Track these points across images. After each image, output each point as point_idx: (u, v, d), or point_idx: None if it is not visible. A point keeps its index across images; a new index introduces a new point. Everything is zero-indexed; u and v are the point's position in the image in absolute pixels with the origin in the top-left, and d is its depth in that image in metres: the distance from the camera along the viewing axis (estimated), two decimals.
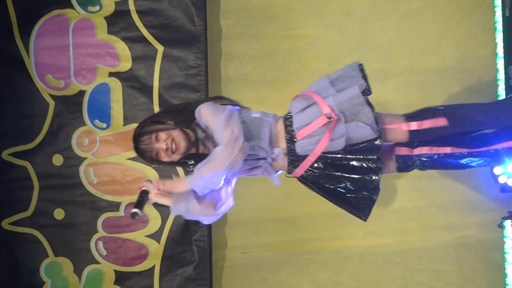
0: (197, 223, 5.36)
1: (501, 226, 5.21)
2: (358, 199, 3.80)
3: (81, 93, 5.41)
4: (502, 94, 5.16)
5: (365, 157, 3.69)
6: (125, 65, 5.42)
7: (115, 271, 5.42)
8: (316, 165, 3.75)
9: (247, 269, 5.55)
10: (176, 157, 3.76)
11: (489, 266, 5.37)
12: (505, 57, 5.15)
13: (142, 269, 5.42)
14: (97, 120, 5.43)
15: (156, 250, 5.40)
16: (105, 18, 5.42)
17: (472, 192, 5.35)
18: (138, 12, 5.41)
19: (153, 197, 3.68)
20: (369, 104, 3.70)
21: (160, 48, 5.39)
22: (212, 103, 3.79)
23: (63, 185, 5.43)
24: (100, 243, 5.41)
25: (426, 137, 3.84)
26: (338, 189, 3.78)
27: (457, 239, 5.41)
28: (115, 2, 5.41)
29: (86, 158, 5.42)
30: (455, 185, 5.37)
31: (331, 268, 5.52)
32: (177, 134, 3.72)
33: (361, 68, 3.82)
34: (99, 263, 5.41)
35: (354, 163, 3.72)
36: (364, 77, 3.80)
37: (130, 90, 5.42)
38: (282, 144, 3.76)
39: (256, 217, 5.49)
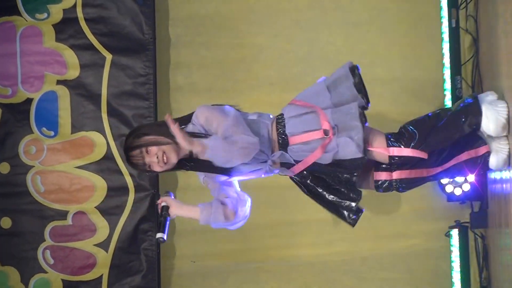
0: (145, 231, 5.34)
1: (448, 235, 5.26)
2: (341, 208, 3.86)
3: (29, 101, 5.36)
4: (449, 104, 5.22)
5: (347, 178, 3.74)
6: (73, 73, 5.38)
7: (63, 280, 5.36)
8: (304, 173, 3.80)
9: (196, 278, 5.53)
10: (169, 167, 3.75)
11: (437, 275, 5.42)
12: (451, 67, 5.22)
13: (90, 278, 5.37)
14: (44, 128, 5.39)
15: (104, 259, 5.36)
16: (53, 25, 5.38)
17: (420, 201, 5.39)
18: (86, 19, 5.38)
19: (175, 211, 3.74)
20: (361, 120, 3.72)
21: (109, 56, 5.37)
22: (208, 105, 3.79)
23: (10, 193, 5.36)
24: (48, 252, 5.36)
25: (404, 162, 3.88)
26: (323, 195, 3.84)
27: (406, 247, 5.44)
28: (63, 10, 5.37)
29: (33, 166, 5.37)
30: (403, 194, 5.34)
31: (279, 277, 5.52)
32: (167, 146, 3.69)
33: (353, 69, 3.84)
34: (46, 272, 5.36)
35: (336, 185, 3.78)
36: (360, 81, 3.82)
37: (78, 98, 5.39)
38: (275, 146, 3.78)
39: (205, 226, 5.46)
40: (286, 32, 5.54)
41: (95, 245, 5.36)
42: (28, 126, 5.37)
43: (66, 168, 5.36)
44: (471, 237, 5.19)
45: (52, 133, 5.39)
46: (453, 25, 5.20)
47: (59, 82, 5.39)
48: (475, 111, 3.86)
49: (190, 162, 3.77)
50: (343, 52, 5.48)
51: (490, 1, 4.59)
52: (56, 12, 5.38)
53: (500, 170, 3.98)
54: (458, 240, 5.15)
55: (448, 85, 5.23)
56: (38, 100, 5.38)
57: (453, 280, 5.22)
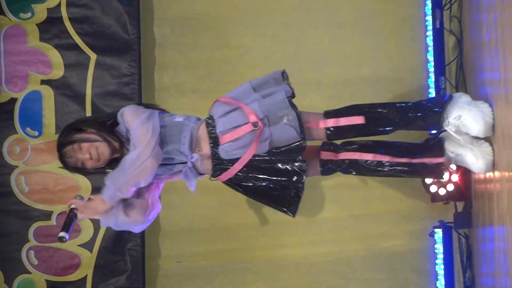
0: (130, 232, 5.32)
1: (432, 235, 5.27)
2: (284, 197, 3.82)
3: (13, 100, 5.35)
4: None
5: (289, 158, 3.72)
6: (58, 72, 5.37)
7: (47, 281, 5.34)
8: (242, 169, 3.77)
9: (181, 279, 5.52)
10: (102, 163, 3.76)
11: (421, 275, 5.42)
12: (435, 68, 5.23)
13: (74, 278, 5.36)
14: (28, 128, 5.37)
15: (88, 259, 5.35)
16: (37, 25, 5.37)
17: (404, 201, 5.41)
18: (71, 19, 5.36)
19: (83, 213, 3.73)
20: (293, 107, 3.75)
21: (93, 56, 5.36)
22: (136, 106, 3.80)
23: None
24: (32, 253, 5.34)
25: (344, 135, 3.89)
26: (264, 187, 3.80)
27: (390, 248, 5.45)
28: (47, 9, 5.36)
29: (17, 166, 5.35)
30: (387, 194, 5.42)
31: (265, 278, 5.52)
32: (100, 143, 3.71)
33: (284, 75, 3.86)
34: (30, 273, 5.34)
35: (279, 165, 3.75)
36: (288, 84, 3.84)
37: (63, 98, 5.38)
38: (206, 147, 3.77)
39: (191, 226, 5.48)
40: (272, 32, 5.55)
41: (79, 245, 5.35)
42: (12, 126, 5.35)
43: (51, 168, 5.34)
44: (455, 237, 5.20)
45: (37, 133, 5.37)
46: (437, 26, 5.21)
47: (43, 82, 5.37)
48: (438, 106, 3.89)
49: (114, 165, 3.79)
50: (329, 53, 5.50)
51: (474, 2, 4.60)
52: (40, 12, 5.37)
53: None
54: (442, 240, 5.16)
55: (432, 85, 5.23)
56: (22, 100, 5.37)
57: (437, 280, 5.22)
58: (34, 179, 5.37)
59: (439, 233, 5.20)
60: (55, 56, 5.37)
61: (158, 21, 5.56)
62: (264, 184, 3.79)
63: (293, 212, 3.88)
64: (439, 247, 5.18)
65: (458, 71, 5.24)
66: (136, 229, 3.93)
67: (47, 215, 5.35)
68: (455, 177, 4.89)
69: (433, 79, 5.25)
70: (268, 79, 3.90)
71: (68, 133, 3.76)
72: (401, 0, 5.49)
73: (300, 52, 5.52)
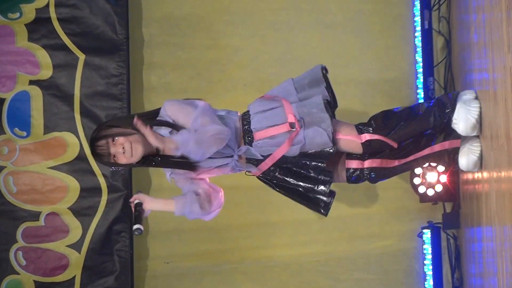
0: (118, 232, 5.32)
1: (421, 236, 5.28)
2: (313, 199, 3.88)
3: (1, 101, 5.32)
4: None
5: (315, 165, 3.76)
6: (46, 73, 5.36)
7: (35, 281, 5.32)
8: (272, 168, 3.81)
9: (170, 279, 5.52)
10: (134, 159, 3.73)
11: (410, 275, 5.44)
12: (424, 69, 5.24)
13: (62, 279, 5.34)
14: (17, 129, 5.35)
15: (76, 260, 5.33)
16: (26, 25, 5.35)
17: (393, 202, 5.43)
18: (59, 19, 5.35)
19: (149, 206, 3.74)
20: (328, 112, 3.74)
21: (82, 56, 5.35)
22: (176, 99, 3.82)
23: None
24: (20, 253, 5.32)
25: (375, 147, 3.89)
26: (293, 188, 3.86)
27: (379, 248, 5.46)
28: (36, 9, 5.34)
29: (5, 167, 5.33)
30: (376, 195, 5.43)
31: (255, 278, 5.52)
32: (134, 137, 3.69)
33: (324, 72, 3.87)
34: (19, 274, 5.32)
35: (305, 171, 3.78)
36: (328, 83, 3.84)
37: (51, 98, 5.36)
38: (241, 143, 3.79)
39: (179, 227, 5.46)
40: (261, 33, 5.56)
41: (67, 246, 5.34)
42: (0, 126, 5.33)
43: (39, 168, 5.33)
44: (443, 237, 5.22)
45: (25, 133, 5.36)
46: (426, 27, 5.23)
47: (31, 82, 5.36)
48: (448, 106, 3.87)
49: (156, 158, 3.77)
50: (318, 53, 5.50)
51: (462, 2, 4.61)
52: (29, 12, 5.35)
53: (472, 171, 4.00)
54: (430, 240, 5.17)
55: (421, 86, 5.25)
56: (11, 100, 5.35)
57: (426, 280, 5.23)
58: (22, 180, 5.35)
59: (427, 234, 5.21)
60: (43, 56, 5.36)
61: (147, 21, 5.56)
62: (291, 184, 3.83)
63: (325, 212, 3.92)
64: (428, 248, 5.20)
65: (447, 72, 5.25)
66: (209, 217, 3.90)
67: (35, 216, 5.33)
68: (444, 178, 4.89)
69: (421, 80, 5.26)
70: (308, 77, 3.90)
71: (104, 127, 3.73)
72: (390, 0, 5.51)
73: (289, 53, 5.54)
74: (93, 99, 5.35)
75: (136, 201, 3.77)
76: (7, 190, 5.33)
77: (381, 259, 5.46)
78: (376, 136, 3.86)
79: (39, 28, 5.36)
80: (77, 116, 5.34)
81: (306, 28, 5.55)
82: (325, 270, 5.50)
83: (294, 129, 3.72)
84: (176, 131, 3.70)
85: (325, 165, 3.77)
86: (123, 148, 3.66)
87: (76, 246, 5.33)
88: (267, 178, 3.89)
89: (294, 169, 3.82)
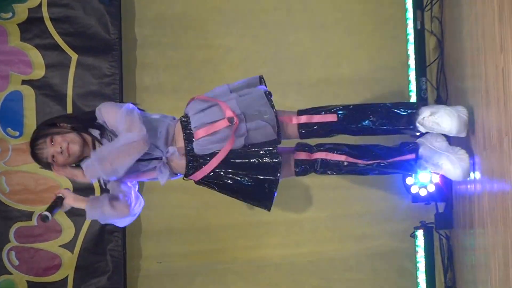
0: (111, 232, 5.32)
1: (413, 236, 5.29)
2: (259, 192, 3.84)
3: None
4: None
5: (264, 152, 3.76)
6: (39, 72, 5.36)
7: (28, 281, 5.33)
8: (216, 167, 3.80)
9: (163, 279, 5.52)
10: (72, 160, 3.75)
11: (402, 275, 5.44)
12: (416, 69, 5.24)
13: (55, 279, 5.35)
14: (9, 128, 5.35)
15: (69, 260, 5.34)
16: (18, 25, 5.35)
17: (385, 202, 5.42)
18: (52, 19, 5.35)
19: (70, 202, 3.75)
20: (271, 105, 3.77)
21: (74, 56, 5.35)
22: (112, 102, 3.84)
23: None
24: (12, 253, 5.33)
25: (316, 132, 3.91)
26: (239, 184, 3.82)
27: (371, 248, 5.46)
28: (29, 9, 5.34)
29: None
30: (368, 195, 5.44)
31: (247, 278, 5.53)
32: (72, 137, 3.72)
33: (262, 80, 3.91)
34: (11, 274, 5.32)
35: (254, 160, 3.77)
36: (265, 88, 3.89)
37: (44, 98, 5.36)
38: (180, 144, 3.79)
39: (172, 226, 5.47)
40: (253, 33, 5.56)
41: (60, 246, 5.34)
42: None
43: (32, 168, 5.32)
44: (436, 237, 5.22)
45: (18, 133, 5.35)
46: (418, 27, 5.23)
47: (24, 82, 5.36)
48: (414, 107, 3.93)
49: None
50: (309, 53, 5.52)
51: (455, 2, 4.62)
52: (21, 12, 5.35)
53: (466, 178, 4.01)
54: (423, 240, 5.18)
55: (413, 86, 5.24)
56: (3, 100, 5.35)
57: (418, 280, 5.23)
58: (15, 180, 5.35)
59: (420, 234, 5.21)
60: (36, 56, 5.36)
61: (139, 21, 5.56)
62: (239, 179, 3.80)
63: (268, 207, 3.90)
64: (420, 248, 5.20)
65: (439, 72, 5.26)
66: (122, 222, 3.92)
67: (28, 216, 5.33)
68: (436, 178, 4.90)
69: (413, 80, 5.26)
70: (246, 83, 3.93)
71: (43, 128, 3.77)
72: (382, 0, 5.51)
73: (281, 52, 5.54)
74: (85, 99, 5.36)
75: (59, 195, 3.78)
76: (0, 190, 5.32)
77: (372, 259, 5.46)
78: (314, 119, 3.91)
79: (31, 27, 5.36)
80: None
81: (298, 28, 5.55)
82: (317, 270, 5.50)
83: (233, 123, 3.72)
84: (103, 134, 3.75)
85: (276, 150, 3.76)
86: (60, 148, 3.69)
87: (69, 246, 5.34)
88: (208, 180, 3.86)
89: (238, 161, 3.78)
